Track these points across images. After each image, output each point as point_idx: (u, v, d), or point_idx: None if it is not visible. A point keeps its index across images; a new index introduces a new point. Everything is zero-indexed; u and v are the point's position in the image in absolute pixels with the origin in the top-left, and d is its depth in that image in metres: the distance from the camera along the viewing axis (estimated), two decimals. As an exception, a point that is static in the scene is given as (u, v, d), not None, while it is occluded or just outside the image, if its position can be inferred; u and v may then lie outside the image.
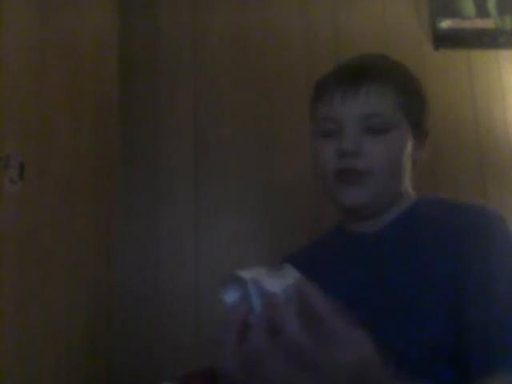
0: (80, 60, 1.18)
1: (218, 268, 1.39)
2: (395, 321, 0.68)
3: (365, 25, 1.54)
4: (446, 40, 1.52)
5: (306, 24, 1.54)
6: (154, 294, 1.37)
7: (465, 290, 0.64)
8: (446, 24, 1.52)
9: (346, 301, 0.61)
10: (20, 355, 0.85)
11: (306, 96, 1.55)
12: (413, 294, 0.69)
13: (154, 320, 1.36)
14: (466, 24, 1.52)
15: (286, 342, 0.45)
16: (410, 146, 0.79)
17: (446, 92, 1.51)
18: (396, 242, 0.76)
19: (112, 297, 1.34)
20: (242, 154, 1.46)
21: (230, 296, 0.50)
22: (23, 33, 0.90)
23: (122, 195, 1.42)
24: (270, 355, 0.46)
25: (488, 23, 1.51)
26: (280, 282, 0.49)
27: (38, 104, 0.96)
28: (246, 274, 0.49)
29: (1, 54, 0.82)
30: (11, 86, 0.85)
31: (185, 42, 1.51)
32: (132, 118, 1.46)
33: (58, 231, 1.02)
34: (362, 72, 0.78)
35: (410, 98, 0.79)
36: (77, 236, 1.13)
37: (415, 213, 0.79)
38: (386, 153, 0.75)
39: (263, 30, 1.53)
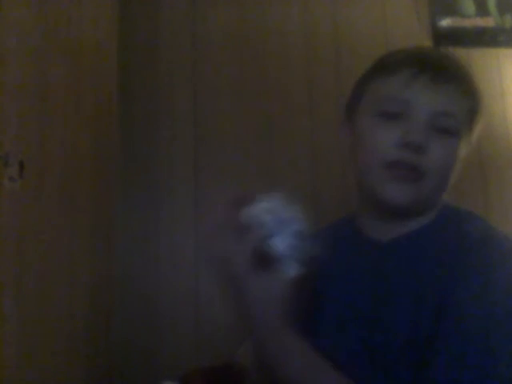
0: (80, 60, 1.18)
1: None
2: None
3: (365, 24, 1.54)
4: (446, 38, 1.52)
5: (305, 24, 1.54)
6: (154, 293, 1.37)
7: (446, 316, 0.61)
8: (446, 22, 1.52)
9: (341, 299, 0.65)
10: (20, 355, 0.85)
11: (306, 96, 1.56)
12: (406, 312, 0.66)
13: (154, 319, 1.36)
14: (466, 22, 1.52)
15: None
16: (463, 154, 0.74)
17: (446, 91, 1.51)
18: (407, 258, 0.71)
19: (112, 296, 1.34)
20: (242, 153, 1.46)
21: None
22: (23, 33, 0.91)
23: (122, 195, 1.42)
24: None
25: (488, 22, 1.51)
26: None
27: (38, 103, 0.96)
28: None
29: (1, 53, 0.82)
30: (11, 85, 0.85)
31: (185, 41, 1.51)
32: (132, 118, 1.47)
33: (57, 230, 1.02)
34: (453, 67, 0.72)
35: (479, 108, 0.74)
36: (77, 235, 1.13)
37: (434, 229, 0.73)
38: (445, 158, 0.70)
39: (263, 30, 1.53)
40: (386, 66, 0.75)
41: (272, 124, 1.48)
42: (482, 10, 1.52)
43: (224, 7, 1.53)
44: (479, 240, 0.66)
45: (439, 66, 0.71)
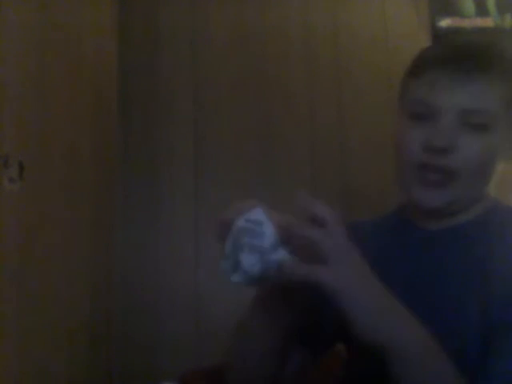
0: (80, 60, 1.18)
1: (217, 268, 1.39)
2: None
3: (365, 25, 1.54)
4: (445, 39, 1.52)
5: (305, 24, 1.54)
6: (154, 293, 1.38)
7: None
8: (445, 23, 1.52)
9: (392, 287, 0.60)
10: (20, 354, 0.85)
11: (306, 95, 1.56)
12: (452, 301, 0.66)
13: (154, 320, 1.36)
14: (466, 23, 1.52)
15: None
16: (508, 147, 0.72)
17: (446, 91, 1.51)
18: (456, 248, 0.71)
19: (112, 297, 1.35)
20: (241, 153, 1.46)
21: None
22: (23, 33, 0.91)
23: (122, 195, 1.42)
24: None
25: (487, 22, 1.51)
26: None
27: (38, 104, 0.96)
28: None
29: (1, 54, 0.83)
30: (11, 86, 0.85)
31: (184, 41, 1.51)
32: (132, 118, 1.47)
33: (57, 230, 1.02)
34: (477, 61, 0.69)
35: None
36: (77, 235, 1.13)
37: (485, 222, 0.72)
38: (480, 154, 0.68)
39: (263, 30, 1.53)
40: (414, 66, 0.75)
41: (272, 124, 1.48)
42: (482, 11, 1.52)
43: (224, 7, 1.53)
44: None
45: (462, 64, 0.68)
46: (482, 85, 0.68)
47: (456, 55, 0.70)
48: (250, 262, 0.53)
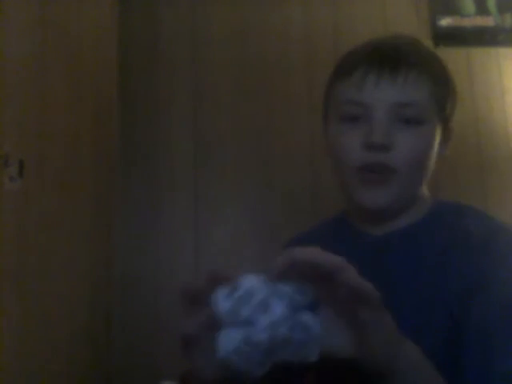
0: (80, 60, 1.18)
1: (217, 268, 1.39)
2: None
3: (365, 24, 1.54)
4: (445, 38, 1.52)
5: (306, 24, 1.54)
6: (154, 292, 1.37)
7: (470, 313, 0.59)
8: (445, 22, 1.52)
9: None
10: (20, 355, 0.85)
11: (306, 95, 1.56)
12: (413, 305, 0.65)
13: (154, 319, 1.36)
14: (466, 22, 1.52)
15: None
16: (437, 142, 0.72)
17: (446, 91, 1.51)
18: (406, 251, 0.70)
19: (112, 296, 1.34)
20: (241, 153, 1.46)
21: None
22: (24, 33, 0.91)
23: (122, 194, 1.42)
24: None
25: (488, 21, 1.51)
26: None
27: (38, 103, 0.96)
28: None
29: (1, 53, 0.83)
30: (11, 85, 0.85)
31: (185, 41, 1.52)
32: (132, 118, 1.47)
33: (57, 229, 1.02)
34: (402, 55, 0.70)
35: (445, 90, 0.72)
36: (76, 235, 1.13)
37: (431, 222, 0.71)
38: (417, 148, 0.68)
39: (263, 30, 1.53)
40: (339, 69, 0.75)
41: (272, 124, 1.48)
42: (482, 10, 1.52)
43: (224, 7, 1.53)
44: (485, 234, 0.65)
45: (388, 59, 0.69)
46: (411, 78, 0.68)
47: (382, 53, 0.70)
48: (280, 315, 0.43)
